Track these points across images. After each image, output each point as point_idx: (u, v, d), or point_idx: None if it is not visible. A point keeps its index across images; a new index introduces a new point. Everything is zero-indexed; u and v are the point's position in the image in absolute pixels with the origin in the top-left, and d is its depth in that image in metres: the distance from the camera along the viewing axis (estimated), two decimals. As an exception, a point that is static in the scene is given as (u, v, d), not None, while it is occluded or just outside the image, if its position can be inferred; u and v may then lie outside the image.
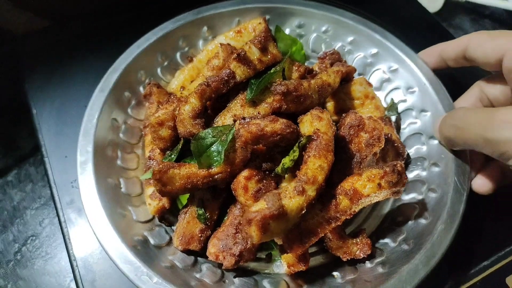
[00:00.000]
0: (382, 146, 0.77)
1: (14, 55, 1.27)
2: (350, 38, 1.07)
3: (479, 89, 0.87)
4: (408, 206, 0.84)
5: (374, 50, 1.04)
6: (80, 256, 0.89)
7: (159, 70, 1.05)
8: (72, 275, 0.97)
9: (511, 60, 0.75)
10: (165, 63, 1.06)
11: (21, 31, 1.26)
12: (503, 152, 0.67)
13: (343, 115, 0.84)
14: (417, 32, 1.29)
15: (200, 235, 0.80)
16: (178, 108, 0.80)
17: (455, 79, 1.10)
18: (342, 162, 0.78)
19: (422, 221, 0.79)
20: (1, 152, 1.22)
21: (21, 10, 1.19)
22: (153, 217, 0.86)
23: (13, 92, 1.30)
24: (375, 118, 0.80)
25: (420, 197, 0.84)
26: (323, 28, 1.10)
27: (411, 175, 0.89)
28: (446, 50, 0.90)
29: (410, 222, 0.81)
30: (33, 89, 1.15)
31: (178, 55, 1.07)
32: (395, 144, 0.87)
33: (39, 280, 1.02)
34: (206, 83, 0.79)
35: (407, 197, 0.86)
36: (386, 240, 0.80)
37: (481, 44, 0.80)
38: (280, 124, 0.74)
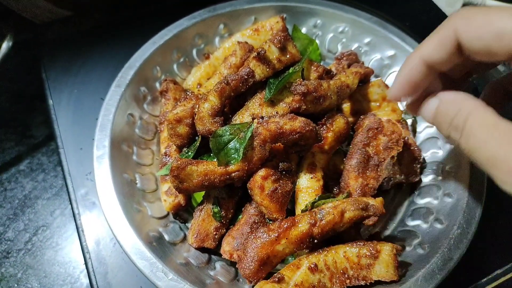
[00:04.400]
0: (401, 150, 0.77)
1: (34, 43, 1.27)
2: (367, 39, 1.07)
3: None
4: (423, 210, 0.84)
5: (391, 52, 1.04)
6: (93, 248, 0.90)
7: (175, 66, 1.05)
8: (82, 266, 0.98)
9: None
10: (181, 60, 1.06)
11: (41, 20, 1.26)
12: None
13: (361, 117, 0.83)
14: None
15: (214, 233, 0.80)
16: (197, 106, 0.80)
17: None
18: (360, 164, 0.78)
19: (438, 225, 0.79)
20: (15, 140, 1.22)
21: (43, 0, 1.18)
22: (168, 214, 0.86)
23: (30, 80, 1.30)
24: (394, 121, 0.79)
25: (435, 201, 0.83)
26: (340, 29, 1.09)
27: (426, 179, 0.88)
28: (429, 53, 0.62)
29: (425, 226, 0.81)
30: (50, 79, 1.16)
31: (194, 52, 1.07)
32: (412, 148, 0.86)
33: (49, 270, 1.02)
34: (225, 81, 0.79)
35: (422, 201, 0.86)
36: (401, 244, 0.80)
37: (481, 19, 0.54)
38: (299, 122, 0.74)
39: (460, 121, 0.57)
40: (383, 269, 0.69)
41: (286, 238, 0.69)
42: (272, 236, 0.69)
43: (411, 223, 0.84)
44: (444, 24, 0.59)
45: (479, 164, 0.56)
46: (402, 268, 0.73)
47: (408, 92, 0.66)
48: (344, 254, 0.71)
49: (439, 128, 0.64)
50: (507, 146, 0.51)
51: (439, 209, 0.82)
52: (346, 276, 0.70)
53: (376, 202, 0.72)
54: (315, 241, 0.70)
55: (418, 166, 0.86)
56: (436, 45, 0.60)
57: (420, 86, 0.65)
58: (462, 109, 0.58)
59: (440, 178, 0.86)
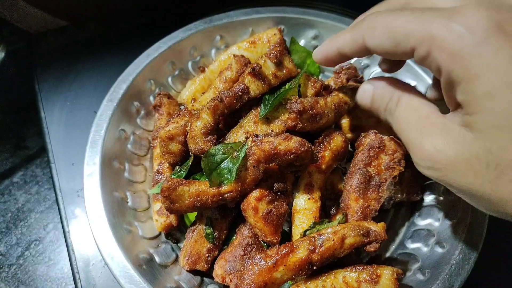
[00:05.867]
0: (403, 170, 0.74)
1: (28, 53, 1.26)
2: (367, 52, 1.04)
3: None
4: (424, 232, 0.81)
5: (391, 66, 1.01)
6: (83, 268, 0.87)
7: (169, 79, 1.02)
8: (74, 284, 0.96)
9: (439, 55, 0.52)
10: (176, 72, 1.03)
11: (36, 30, 1.24)
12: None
13: (362, 134, 0.81)
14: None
15: (207, 255, 0.78)
16: (189, 124, 0.78)
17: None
18: (361, 185, 0.76)
19: (439, 249, 0.76)
20: (9, 151, 1.21)
21: (37, 9, 1.17)
22: (160, 233, 0.84)
23: (24, 90, 1.29)
24: (396, 139, 0.76)
25: (436, 223, 0.81)
26: (340, 41, 1.06)
27: (428, 198, 0.85)
28: (342, 46, 0.69)
29: (425, 250, 0.78)
30: (43, 91, 1.14)
31: (189, 64, 1.05)
32: (413, 166, 0.83)
33: (41, 286, 1.01)
34: (219, 98, 0.77)
35: (423, 223, 0.83)
36: (400, 267, 0.77)
37: (381, 29, 0.59)
38: (294, 143, 0.71)
39: (393, 106, 0.64)
40: None
41: (284, 265, 0.66)
42: (270, 262, 0.66)
43: (411, 245, 0.81)
44: (356, 27, 0.65)
45: (405, 146, 0.62)
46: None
47: (326, 63, 0.75)
48: (343, 279, 0.68)
49: (377, 114, 0.70)
50: (422, 131, 0.57)
51: (440, 232, 0.79)
52: None
53: (378, 228, 0.69)
54: (314, 267, 0.67)
55: (419, 185, 0.84)
56: (348, 43, 0.67)
57: (336, 62, 0.74)
58: (395, 94, 0.65)
59: (442, 198, 0.83)
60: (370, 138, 0.78)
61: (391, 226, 0.86)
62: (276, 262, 0.66)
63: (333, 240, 0.67)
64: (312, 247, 0.67)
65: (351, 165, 0.81)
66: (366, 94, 0.71)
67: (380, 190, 0.76)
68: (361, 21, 0.64)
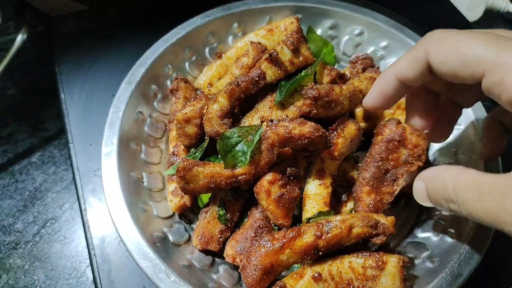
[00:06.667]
0: (422, 166, 0.70)
1: (48, 36, 1.28)
2: (383, 43, 1.04)
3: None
4: (434, 222, 0.82)
5: (408, 57, 1.01)
6: (98, 245, 0.90)
7: (186, 64, 1.04)
8: (88, 261, 0.99)
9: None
10: (193, 58, 1.05)
11: (57, 14, 1.26)
12: None
13: (382, 122, 0.75)
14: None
15: (219, 236, 0.80)
16: (206, 106, 0.79)
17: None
18: (375, 179, 0.73)
19: (448, 238, 0.76)
20: (28, 132, 1.23)
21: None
22: (173, 214, 0.86)
23: (43, 73, 1.31)
24: (420, 131, 0.70)
25: (447, 213, 0.81)
26: (356, 31, 1.07)
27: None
28: (401, 71, 0.66)
29: (435, 239, 0.79)
30: (63, 73, 1.16)
31: (206, 50, 1.06)
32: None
33: (56, 263, 1.03)
34: (235, 83, 0.78)
35: (433, 213, 0.83)
36: (409, 256, 0.78)
37: (449, 47, 0.57)
38: (308, 127, 0.72)
39: (452, 194, 0.58)
40: (389, 281, 0.67)
41: (291, 248, 0.67)
42: (277, 245, 0.67)
43: (421, 234, 0.82)
44: (418, 44, 0.62)
45: (492, 226, 0.54)
46: (409, 281, 0.71)
47: (381, 103, 0.72)
48: (349, 265, 0.69)
49: (440, 209, 0.65)
50: (499, 198, 0.51)
51: (450, 221, 0.79)
52: (351, 287, 0.68)
53: (387, 221, 0.70)
54: (320, 253, 0.68)
55: None
56: (408, 64, 0.64)
57: (393, 99, 0.71)
58: (447, 181, 0.59)
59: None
60: (390, 129, 0.71)
61: (401, 215, 0.86)
62: (282, 245, 0.67)
63: (340, 228, 0.68)
64: (319, 233, 0.68)
65: (367, 154, 0.76)
66: (420, 193, 0.66)
67: (395, 184, 0.72)
68: (424, 38, 0.61)
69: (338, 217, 0.69)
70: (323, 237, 0.67)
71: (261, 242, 0.68)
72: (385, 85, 0.69)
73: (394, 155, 0.71)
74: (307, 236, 0.68)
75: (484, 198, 0.53)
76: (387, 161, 0.72)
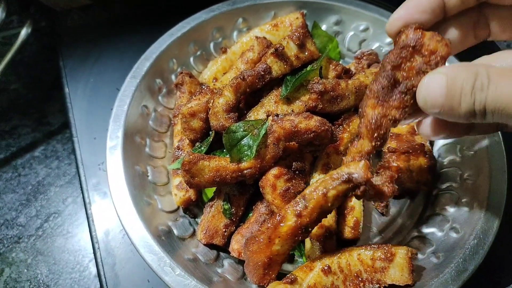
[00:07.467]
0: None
1: (52, 31, 1.27)
2: (388, 39, 1.04)
3: None
4: (439, 218, 0.82)
5: (413, 53, 1.00)
6: (102, 239, 0.90)
7: (191, 59, 1.04)
8: (91, 255, 0.99)
9: None
10: (198, 53, 1.05)
11: (61, 8, 1.26)
12: None
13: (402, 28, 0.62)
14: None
15: (224, 230, 0.80)
16: (211, 101, 0.79)
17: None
18: (383, 90, 0.61)
19: (453, 234, 0.76)
20: (31, 126, 1.23)
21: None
22: (178, 208, 0.86)
23: (47, 67, 1.31)
24: (440, 37, 0.58)
25: (452, 209, 0.81)
26: (361, 27, 1.07)
27: (443, 186, 0.86)
28: None
29: (440, 234, 0.79)
30: (68, 67, 1.16)
31: (211, 45, 1.06)
32: (426, 155, 0.83)
33: (58, 257, 1.03)
34: (241, 77, 0.78)
35: (437, 209, 0.83)
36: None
37: None
38: (314, 121, 0.72)
39: (484, 78, 0.51)
40: (397, 273, 0.67)
41: (279, 237, 0.66)
42: (265, 238, 0.67)
43: (426, 230, 0.81)
44: None
45: None
46: (417, 272, 0.71)
47: (413, 15, 0.60)
48: (358, 257, 0.69)
49: (452, 107, 0.54)
50: None
51: (455, 218, 0.79)
52: (360, 279, 0.68)
53: (358, 169, 0.62)
54: (310, 229, 0.67)
55: (430, 175, 0.83)
56: None
57: (427, 13, 0.60)
58: (479, 68, 0.53)
59: (456, 185, 0.83)
60: (406, 34, 0.59)
61: (406, 211, 0.86)
62: (270, 236, 0.66)
63: (314, 198, 0.64)
64: (298, 211, 0.65)
65: (380, 66, 0.64)
66: (436, 83, 0.55)
67: (405, 99, 0.60)
68: None
69: (309, 189, 0.65)
70: (303, 214, 0.65)
71: (248, 241, 0.68)
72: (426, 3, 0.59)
73: (408, 64, 0.59)
74: (288, 219, 0.66)
75: None
76: (399, 71, 0.60)
